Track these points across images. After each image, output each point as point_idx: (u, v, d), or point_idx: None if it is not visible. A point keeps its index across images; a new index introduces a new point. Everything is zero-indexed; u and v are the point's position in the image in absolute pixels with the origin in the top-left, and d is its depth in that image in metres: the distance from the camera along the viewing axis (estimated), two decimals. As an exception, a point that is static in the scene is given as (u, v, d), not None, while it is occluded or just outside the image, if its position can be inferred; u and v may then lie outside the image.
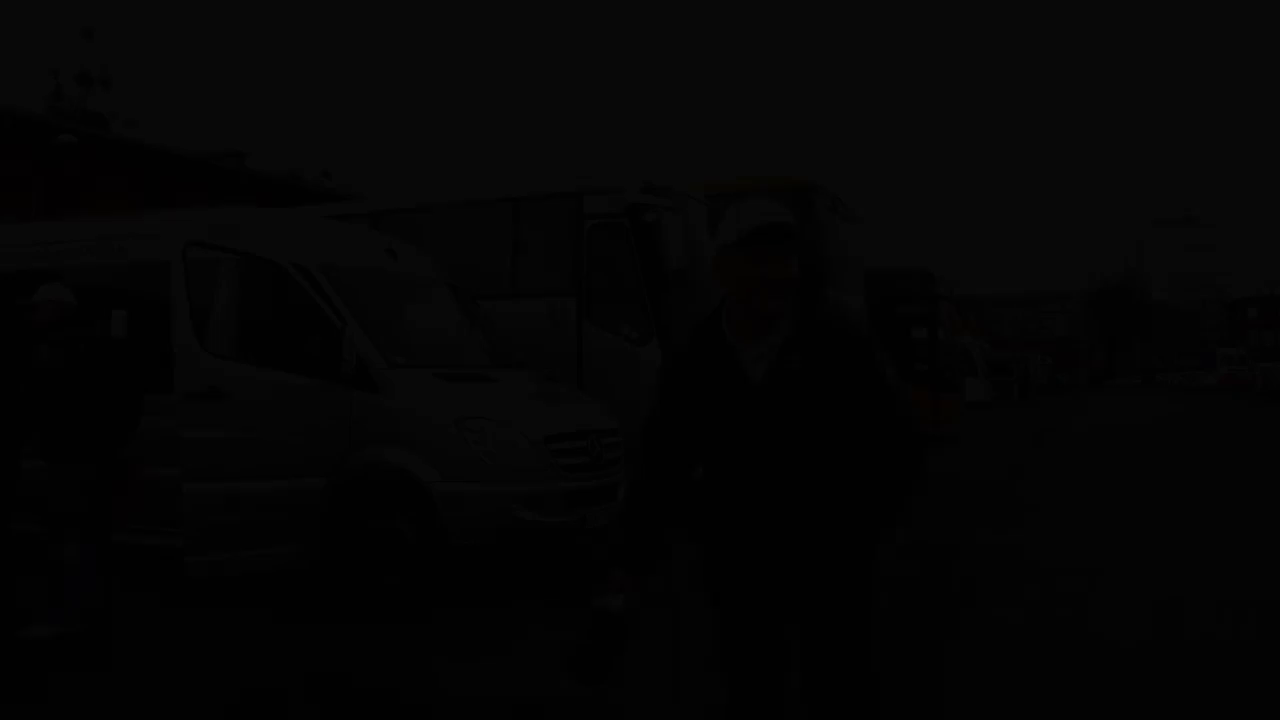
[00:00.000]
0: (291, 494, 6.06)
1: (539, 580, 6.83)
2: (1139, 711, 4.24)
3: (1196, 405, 39.08)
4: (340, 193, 30.69)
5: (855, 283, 13.63)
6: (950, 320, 20.00)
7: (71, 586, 5.37)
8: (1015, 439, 20.50)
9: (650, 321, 9.11)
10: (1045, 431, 22.96)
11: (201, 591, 6.36)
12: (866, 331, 2.38)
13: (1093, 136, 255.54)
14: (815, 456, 2.30)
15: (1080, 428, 24.43)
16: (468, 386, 6.67)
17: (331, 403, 6.28)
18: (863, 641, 2.39)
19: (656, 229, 9.03)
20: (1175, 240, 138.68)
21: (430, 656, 5.02)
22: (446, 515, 6.08)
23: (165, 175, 23.95)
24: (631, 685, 4.59)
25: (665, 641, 5.27)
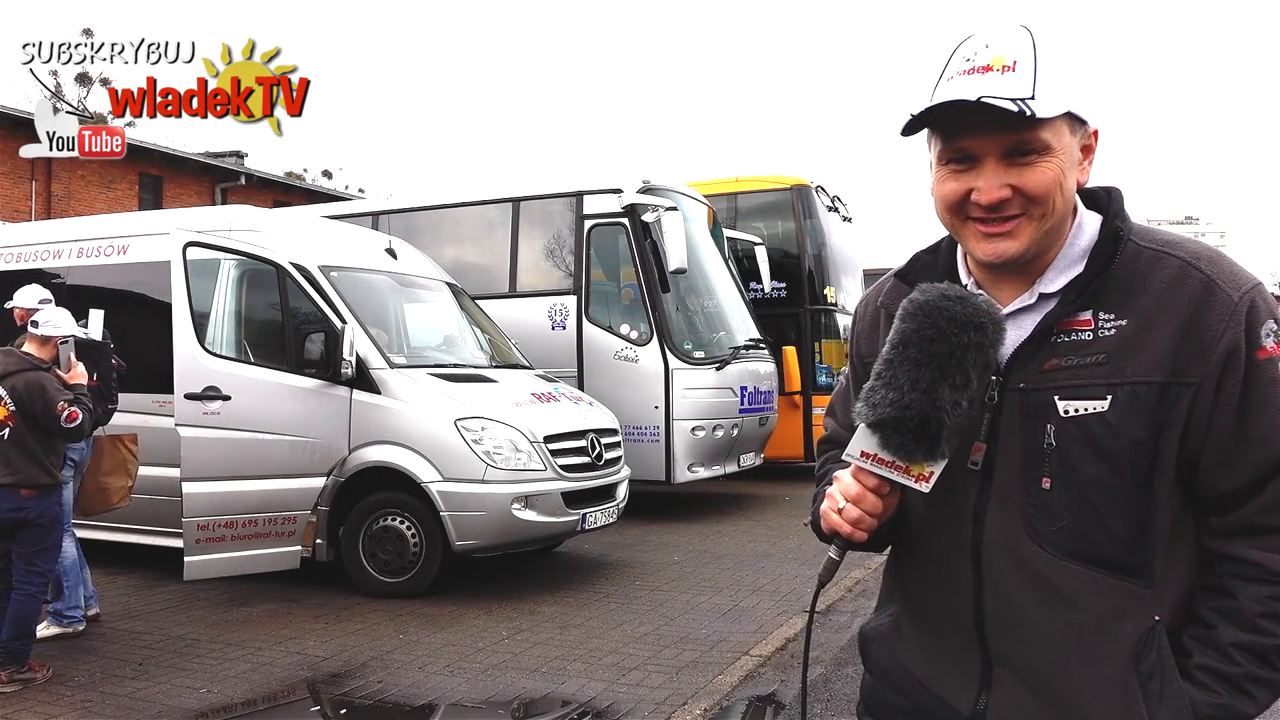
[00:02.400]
0: (291, 494, 6.06)
1: (539, 580, 6.84)
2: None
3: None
4: (340, 193, 30.74)
5: (855, 283, 13.64)
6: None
7: (70, 585, 5.39)
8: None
9: (650, 321, 9.13)
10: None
11: (201, 592, 6.37)
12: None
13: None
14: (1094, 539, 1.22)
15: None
16: (467, 387, 6.67)
17: (331, 403, 6.29)
18: None
19: (656, 229, 9.05)
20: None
21: (431, 656, 5.02)
22: (446, 515, 6.09)
23: (165, 175, 23.96)
24: (631, 683, 4.60)
25: (663, 641, 5.28)
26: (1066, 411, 1.20)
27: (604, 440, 7.14)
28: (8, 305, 5.97)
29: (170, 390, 5.83)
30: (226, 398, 5.87)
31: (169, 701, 4.39)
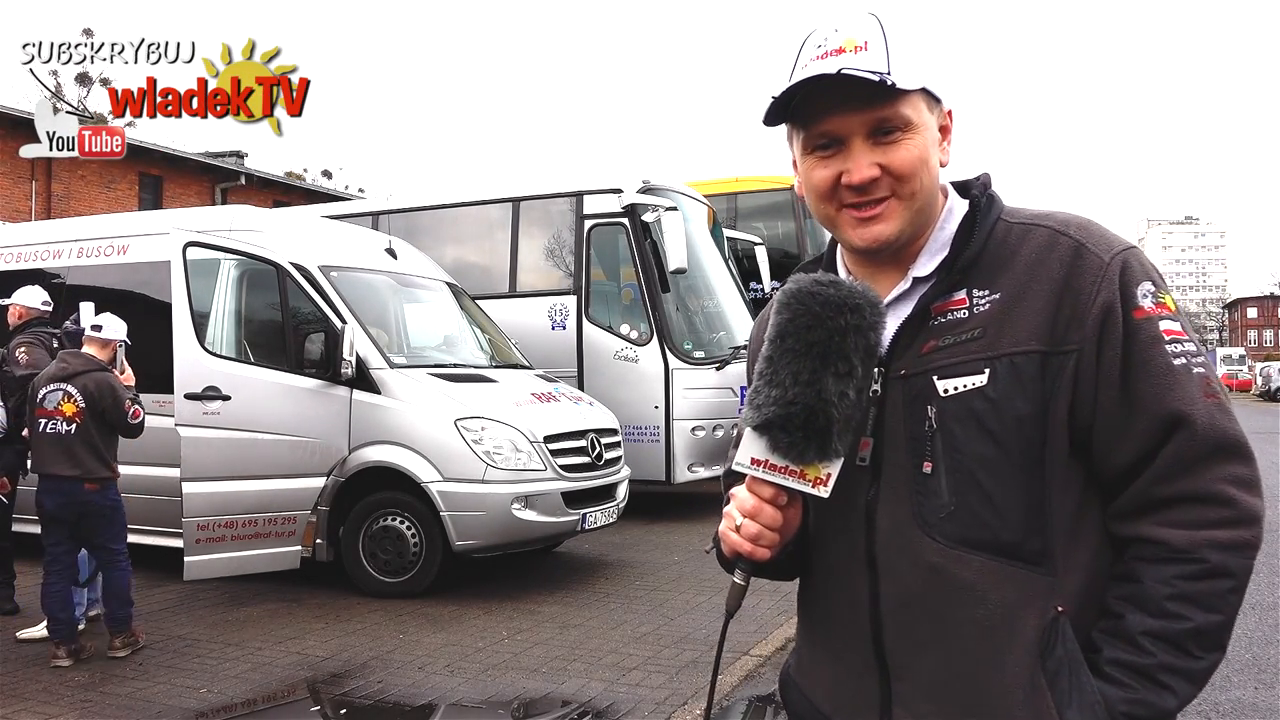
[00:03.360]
0: (291, 494, 6.06)
1: (539, 580, 6.84)
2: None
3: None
4: (340, 193, 30.74)
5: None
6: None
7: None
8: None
9: (650, 321, 9.13)
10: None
11: (201, 592, 6.37)
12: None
13: (1092, 136, 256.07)
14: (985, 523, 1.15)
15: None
16: (467, 387, 6.67)
17: (331, 403, 6.29)
18: None
19: (656, 229, 9.06)
20: (1175, 240, 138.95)
21: (431, 656, 5.02)
22: (446, 515, 6.09)
23: (165, 175, 23.96)
24: (631, 683, 4.60)
25: (663, 641, 5.28)
26: (946, 391, 1.16)
27: (604, 440, 7.15)
28: (4, 302, 6.01)
29: (170, 390, 5.84)
30: (226, 398, 5.87)
31: (169, 701, 4.39)
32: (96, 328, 5.21)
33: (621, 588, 6.60)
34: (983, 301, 1.18)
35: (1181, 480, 1.11)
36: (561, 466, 6.54)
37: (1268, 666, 4.85)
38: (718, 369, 9.30)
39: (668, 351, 9.07)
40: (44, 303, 5.99)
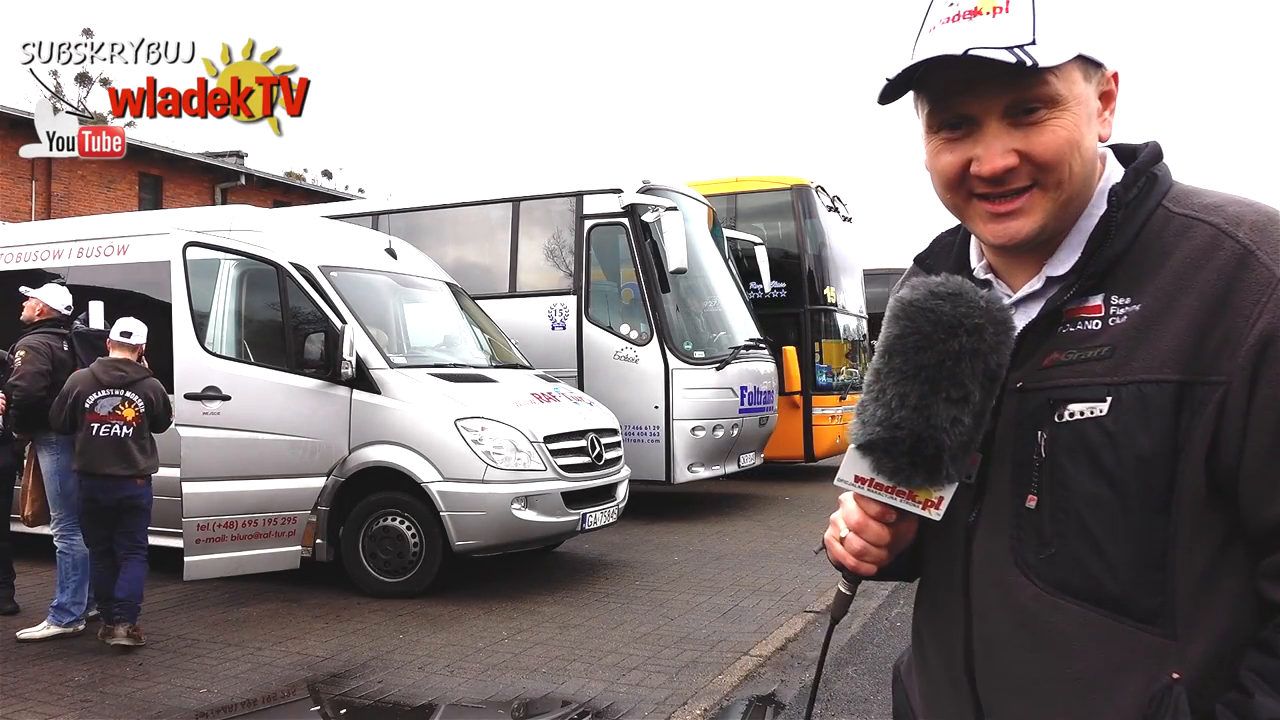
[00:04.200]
0: (291, 494, 6.06)
1: (539, 580, 6.84)
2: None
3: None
4: (340, 193, 30.75)
5: (854, 283, 13.64)
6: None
7: (78, 580, 5.41)
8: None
9: (650, 321, 9.14)
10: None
11: (201, 592, 6.37)
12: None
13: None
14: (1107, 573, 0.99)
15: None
16: (467, 387, 6.68)
17: (331, 403, 6.29)
18: None
19: (656, 229, 9.06)
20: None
21: (431, 656, 5.02)
22: (446, 515, 6.09)
23: (165, 175, 23.96)
24: (631, 683, 4.61)
25: (663, 641, 5.28)
26: (1061, 416, 0.99)
27: (604, 440, 7.15)
28: (24, 290, 6.00)
29: (170, 390, 5.84)
30: (226, 398, 5.87)
31: (169, 701, 4.39)
32: (126, 334, 5.35)
33: (621, 588, 6.60)
34: (1120, 312, 0.99)
35: None
36: (561, 466, 6.54)
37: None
38: (718, 369, 9.31)
39: (668, 351, 9.07)
40: (66, 307, 5.98)
